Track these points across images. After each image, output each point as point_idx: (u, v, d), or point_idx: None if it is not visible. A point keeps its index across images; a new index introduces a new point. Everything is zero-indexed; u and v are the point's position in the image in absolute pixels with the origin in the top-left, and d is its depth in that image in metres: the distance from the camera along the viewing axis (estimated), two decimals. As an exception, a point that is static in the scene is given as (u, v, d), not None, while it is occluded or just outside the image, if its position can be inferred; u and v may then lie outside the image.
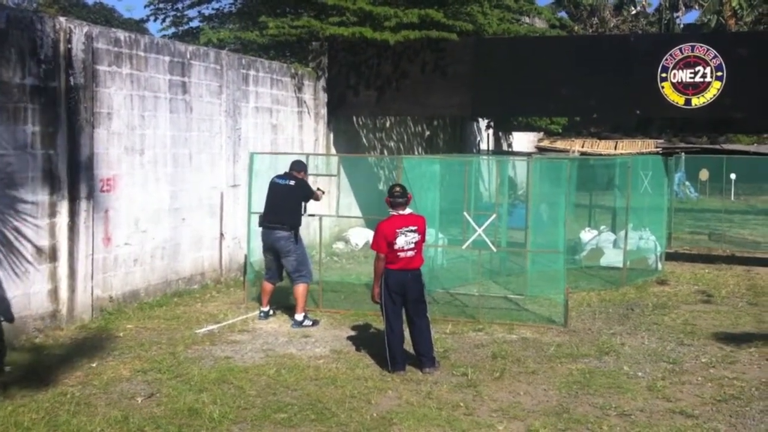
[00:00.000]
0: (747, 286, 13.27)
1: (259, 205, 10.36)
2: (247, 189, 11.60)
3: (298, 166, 10.22)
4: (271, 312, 10.31)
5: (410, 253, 8.04)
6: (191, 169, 11.93)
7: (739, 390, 7.66)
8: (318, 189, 10.48)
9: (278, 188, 10.05)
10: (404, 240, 7.98)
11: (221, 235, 12.55)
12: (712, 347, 9.25)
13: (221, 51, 13.22)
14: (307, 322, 9.88)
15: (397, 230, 7.98)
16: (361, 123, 17.95)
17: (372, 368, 8.11)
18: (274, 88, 14.29)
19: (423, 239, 8.19)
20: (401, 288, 8.07)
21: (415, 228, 8.07)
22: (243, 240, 12.26)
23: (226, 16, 19.01)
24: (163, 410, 6.77)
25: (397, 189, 8.16)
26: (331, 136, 16.26)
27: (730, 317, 10.86)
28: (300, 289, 9.91)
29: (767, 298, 12.18)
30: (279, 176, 10.20)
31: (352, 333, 9.62)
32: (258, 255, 10.70)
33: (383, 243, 7.99)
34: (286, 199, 9.95)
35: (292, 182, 10.02)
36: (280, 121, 14.51)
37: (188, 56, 11.91)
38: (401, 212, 8.10)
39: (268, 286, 10.21)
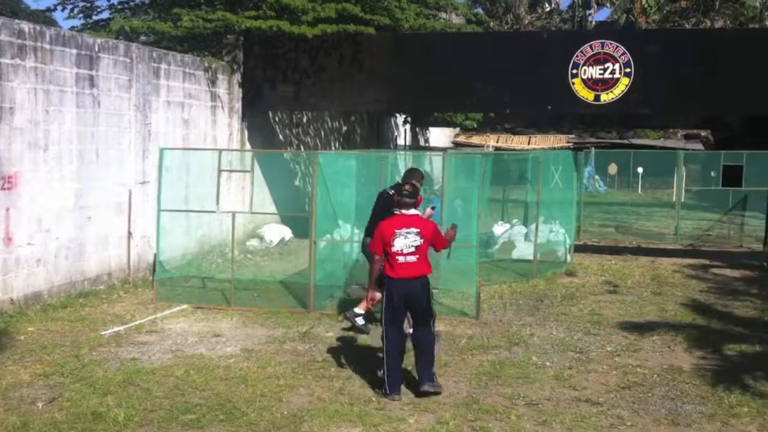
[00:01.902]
0: (651, 276, 13.73)
1: (170, 202, 10.16)
2: (157, 186, 11.32)
3: (415, 176, 9.33)
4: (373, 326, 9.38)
5: (411, 258, 7.16)
6: (98, 165, 11.59)
7: (642, 377, 7.91)
8: (431, 207, 9.74)
9: (389, 200, 8.80)
10: (403, 242, 7.14)
11: (129, 233, 12.23)
12: (617, 336, 9.53)
13: (131, 44, 12.88)
14: (360, 321, 9.35)
15: (396, 230, 7.18)
16: (277, 119, 17.78)
17: (284, 366, 8.04)
18: (186, 82, 14.02)
19: (427, 244, 7.28)
20: (407, 300, 7.22)
21: (417, 230, 7.20)
22: (152, 239, 11.94)
23: (139, 7, 18.53)
24: (65, 415, 6.55)
25: (407, 188, 7.47)
26: (246, 131, 16.05)
27: (635, 307, 11.21)
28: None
29: (670, 288, 12.63)
30: (391, 186, 9.46)
31: (265, 331, 9.52)
32: (168, 254, 10.52)
33: (379, 243, 7.24)
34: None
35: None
36: (193, 116, 14.24)
37: (96, 49, 11.56)
38: (405, 212, 7.33)
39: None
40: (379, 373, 7.34)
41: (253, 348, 8.73)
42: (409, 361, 7.60)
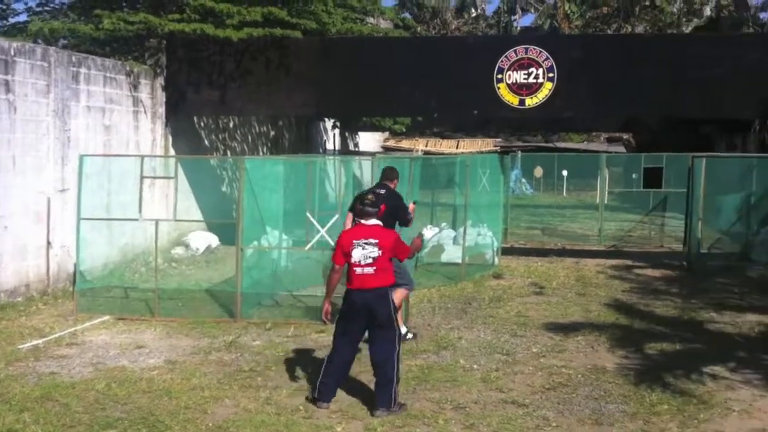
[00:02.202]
0: (576, 277, 14.00)
1: (91, 210, 9.88)
2: (77, 194, 10.98)
3: (391, 174, 9.40)
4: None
5: (368, 270, 6.93)
6: (15, 173, 11.21)
7: (566, 377, 8.04)
8: (413, 202, 9.68)
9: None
10: (361, 253, 6.93)
11: (48, 243, 11.83)
12: (542, 337, 9.67)
13: (49, 48, 12.50)
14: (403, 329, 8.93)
15: (354, 241, 6.97)
16: (203, 124, 17.50)
17: (209, 377, 7.89)
18: (107, 87, 13.67)
19: (387, 255, 7.02)
20: (364, 311, 6.95)
21: (376, 241, 6.96)
22: (73, 248, 11.56)
23: (58, 10, 17.98)
24: (-23, 434, 6.30)
25: (369, 197, 7.32)
26: (170, 136, 15.73)
27: (560, 308, 11.40)
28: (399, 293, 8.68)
29: (594, 289, 12.89)
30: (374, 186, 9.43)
31: (190, 342, 9.33)
32: (89, 264, 10.23)
33: (339, 253, 7.04)
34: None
35: (382, 191, 9.08)
36: (114, 121, 13.89)
37: (12, 53, 11.19)
38: (365, 222, 7.12)
39: None
40: None
41: (178, 359, 8.55)
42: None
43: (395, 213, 8.96)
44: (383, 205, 7.84)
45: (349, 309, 7.05)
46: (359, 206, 7.24)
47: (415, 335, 9.44)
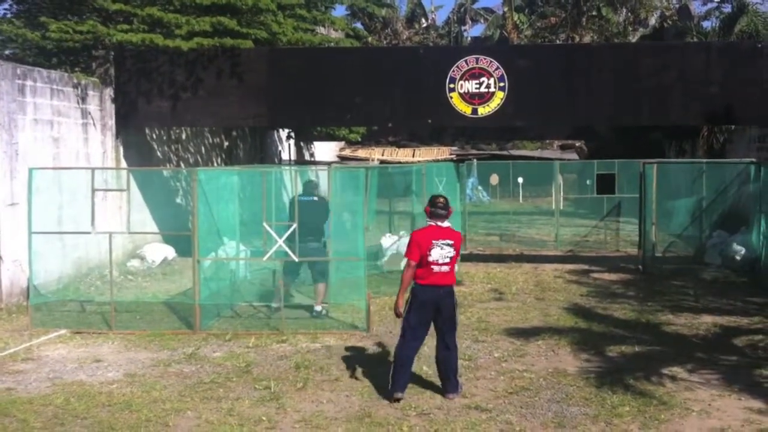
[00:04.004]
0: (534, 282, 14.12)
1: (43, 224, 9.66)
2: (27, 207, 10.71)
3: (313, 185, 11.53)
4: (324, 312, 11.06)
5: (445, 269, 7.47)
6: (-38, 187, 10.90)
7: (528, 381, 8.08)
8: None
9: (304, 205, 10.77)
10: (439, 253, 7.42)
11: (-1, 258, 11.56)
12: (504, 342, 9.72)
13: (-7, 60, 12.22)
14: (324, 312, 11.02)
15: (434, 241, 7.44)
16: (155, 136, 17.26)
17: (170, 389, 7.75)
18: (54, 99, 13.40)
19: (457, 255, 7.65)
20: (433, 305, 7.49)
21: (452, 242, 7.51)
22: (25, 262, 11.26)
23: (3, 19, 17.55)
24: (-71, 455, 6.08)
25: (441, 200, 7.66)
26: (121, 148, 15.45)
27: (520, 312, 11.48)
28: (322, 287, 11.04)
29: (552, 293, 13.02)
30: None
31: (149, 354, 9.16)
32: (43, 278, 10.00)
33: (416, 251, 7.44)
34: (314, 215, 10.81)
35: (315, 198, 11.09)
36: (63, 134, 13.61)
37: (-46, 65, 10.90)
38: (440, 224, 7.57)
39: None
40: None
41: (137, 372, 8.39)
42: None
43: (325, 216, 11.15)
44: None
45: (422, 304, 7.49)
46: (431, 209, 7.62)
47: (326, 312, 11.11)
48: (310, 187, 11.57)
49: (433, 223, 7.59)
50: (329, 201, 11.48)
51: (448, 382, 7.68)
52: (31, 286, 10.61)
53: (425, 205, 7.82)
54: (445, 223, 7.61)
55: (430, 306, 7.51)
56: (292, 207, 10.89)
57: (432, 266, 7.44)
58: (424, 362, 8.70)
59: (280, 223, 10.69)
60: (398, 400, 7.39)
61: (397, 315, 7.66)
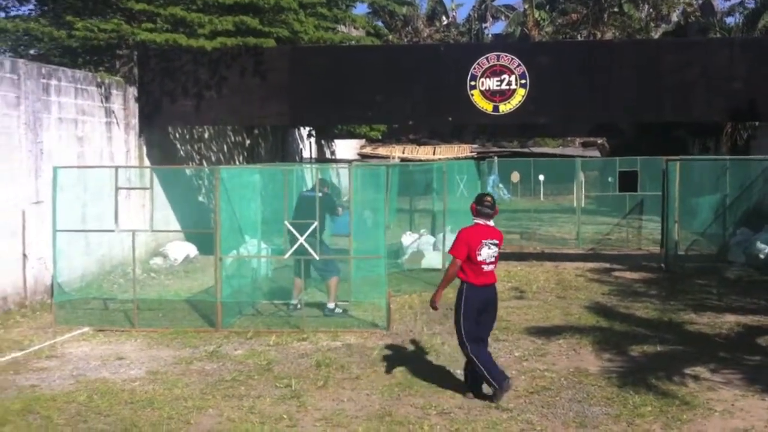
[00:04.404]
0: (556, 281, 14.06)
1: (67, 222, 9.77)
2: (52, 206, 10.84)
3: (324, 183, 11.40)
4: (299, 306, 11.08)
5: (492, 267, 7.54)
6: (-13, 186, 11.04)
7: (549, 381, 8.05)
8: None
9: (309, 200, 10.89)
10: (487, 252, 7.45)
11: (24, 256, 11.67)
12: (524, 341, 9.69)
13: (18, 60, 12.35)
14: (338, 311, 10.95)
15: (483, 240, 7.45)
16: (178, 134, 17.38)
17: (192, 387, 7.81)
18: (79, 98, 13.53)
19: (499, 255, 7.70)
20: (485, 306, 7.56)
21: (497, 242, 7.56)
22: (50, 260, 11.39)
23: (29, 18, 17.70)
24: (-44, 451, 6.18)
25: (488, 199, 7.66)
26: (144, 147, 15.60)
27: (541, 311, 11.44)
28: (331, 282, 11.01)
29: (574, 292, 12.96)
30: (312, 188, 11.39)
31: (171, 352, 9.24)
32: (67, 276, 10.12)
33: (464, 250, 7.41)
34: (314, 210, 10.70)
35: (319, 194, 10.86)
36: (87, 132, 13.75)
37: (-21, 66, 11.04)
38: (487, 223, 7.58)
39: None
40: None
41: (159, 370, 8.46)
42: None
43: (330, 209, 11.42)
44: None
45: (475, 303, 7.51)
46: (478, 207, 7.61)
47: (343, 310, 11.08)
48: (318, 183, 11.46)
49: (480, 222, 7.57)
50: (346, 198, 11.50)
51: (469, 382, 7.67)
52: (55, 283, 10.73)
53: (471, 202, 7.76)
54: (491, 222, 7.61)
55: (482, 305, 7.55)
56: (297, 203, 11.21)
57: (482, 265, 7.46)
58: (444, 361, 8.72)
59: (300, 222, 10.68)
60: (509, 387, 7.43)
61: (433, 308, 7.77)
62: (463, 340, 7.52)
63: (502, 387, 7.37)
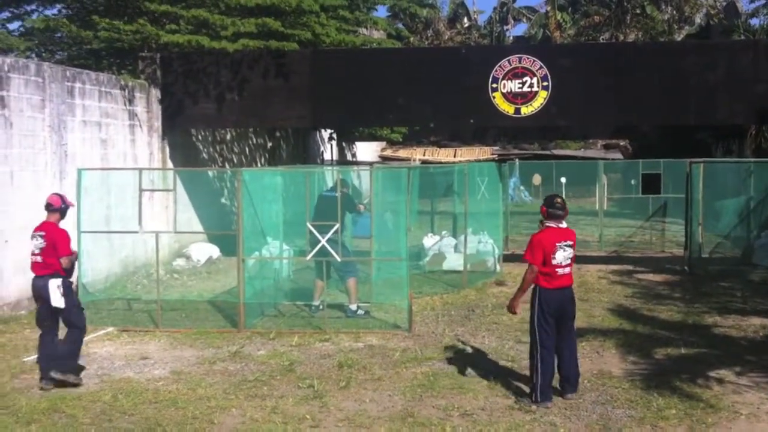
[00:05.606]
0: (578, 283, 13.86)
1: (91, 223, 9.86)
2: (76, 207, 10.93)
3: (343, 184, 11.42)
4: (321, 307, 11.02)
5: (567, 270, 7.43)
6: (13, 188, 11.20)
7: (572, 383, 7.99)
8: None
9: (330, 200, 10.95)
10: (563, 255, 7.36)
11: (50, 256, 11.79)
12: (547, 343, 9.62)
13: (42, 63, 12.52)
14: (360, 312, 11.04)
15: (557, 244, 7.35)
16: (200, 137, 17.50)
17: (215, 387, 7.86)
18: (102, 101, 13.67)
19: (575, 255, 7.60)
20: (560, 309, 7.46)
21: (571, 243, 7.46)
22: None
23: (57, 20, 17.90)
24: (-16, 448, 6.26)
25: (558, 200, 7.54)
26: (167, 149, 15.72)
27: (564, 314, 11.35)
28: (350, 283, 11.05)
29: (596, 294, 12.88)
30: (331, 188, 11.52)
31: (194, 352, 9.30)
32: (91, 276, 10.21)
33: (540, 255, 7.34)
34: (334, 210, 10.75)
35: (337, 194, 10.85)
36: (111, 135, 13.88)
37: (6, 69, 11.20)
38: (560, 225, 7.48)
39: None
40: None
41: (183, 369, 8.51)
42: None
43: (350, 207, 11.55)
44: None
45: (552, 308, 7.43)
46: (549, 209, 7.48)
47: (366, 312, 11.16)
48: (338, 183, 11.44)
49: (552, 225, 7.47)
50: (366, 200, 11.52)
51: (568, 384, 7.59)
52: (80, 284, 10.80)
53: (541, 205, 7.61)
54: (563, 224, 7.50)
55: (558, 308, 7.45)
56: (317, 202, 11.26)
57: (557, 269, 7.37)
58: (466, 362, 8.70)
59: (322, 223, 10.69)
60: (545, 406, 7.27)
61: (512, 312, 7.77)
62: (536, 346, 7.48)
63: (538, 402, 7.30)
